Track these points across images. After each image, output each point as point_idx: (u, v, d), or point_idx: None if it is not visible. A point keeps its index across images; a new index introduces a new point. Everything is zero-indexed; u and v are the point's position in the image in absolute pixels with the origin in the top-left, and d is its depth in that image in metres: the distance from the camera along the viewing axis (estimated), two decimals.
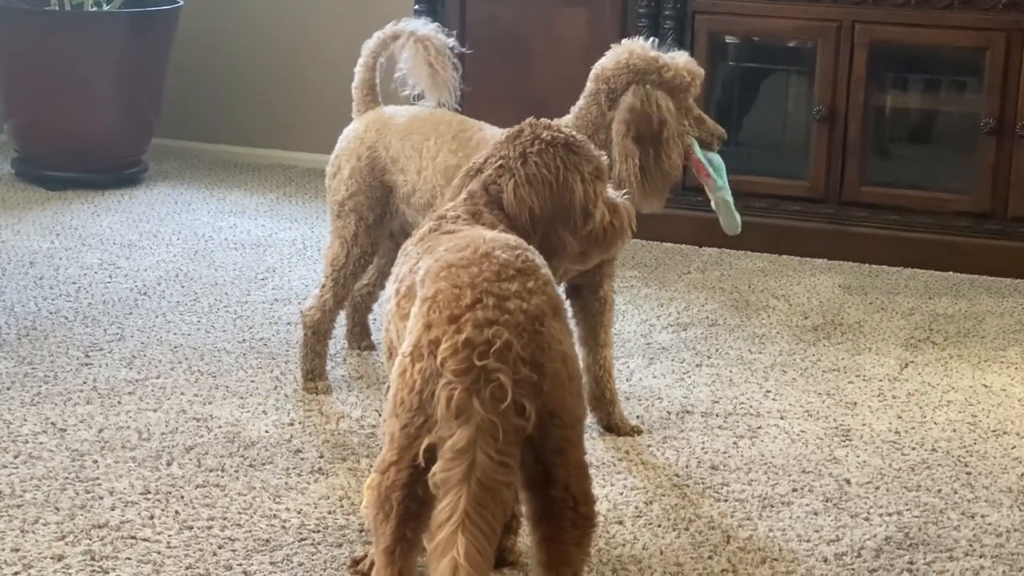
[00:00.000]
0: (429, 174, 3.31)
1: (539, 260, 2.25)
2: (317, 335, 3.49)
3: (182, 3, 5.56)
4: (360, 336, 3.81)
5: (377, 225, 3.46)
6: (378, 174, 3.43)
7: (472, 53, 5.32)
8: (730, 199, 3.25)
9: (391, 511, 2.14)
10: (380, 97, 3.57)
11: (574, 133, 2.55)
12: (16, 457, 3.02)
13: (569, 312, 3.30)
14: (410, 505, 2.13)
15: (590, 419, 3.26)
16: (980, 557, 2.76)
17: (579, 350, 3.28)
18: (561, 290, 3.20)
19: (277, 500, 2.87)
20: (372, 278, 3.73)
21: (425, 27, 3.51)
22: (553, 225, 2.47)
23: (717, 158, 3.27)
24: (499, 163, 2.48)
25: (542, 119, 2.58)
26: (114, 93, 5.41)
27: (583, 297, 3.28)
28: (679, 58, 3.24)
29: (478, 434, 2.02)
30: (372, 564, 2.34)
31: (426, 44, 3.47)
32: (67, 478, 2.93)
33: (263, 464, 3.04)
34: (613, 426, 3.30)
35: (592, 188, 2.51)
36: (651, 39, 3.28)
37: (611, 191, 2.58)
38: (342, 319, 3.71)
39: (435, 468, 2.03)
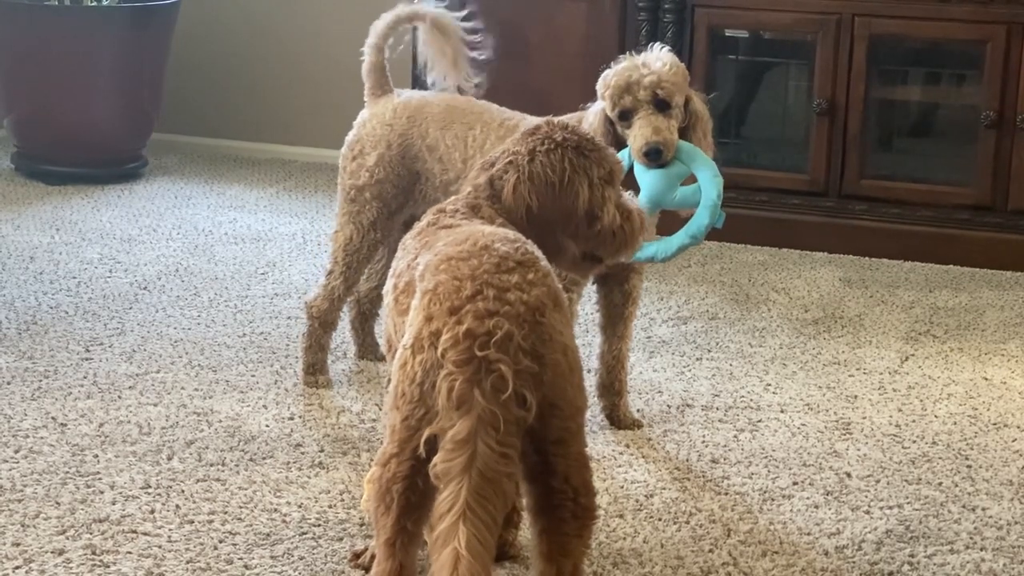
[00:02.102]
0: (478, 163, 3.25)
1: (538, 252, 2.25)
2: (324, 326, 3.45)
3: None
4: (374, 347, 3.67)
5: (398, 212, 3.40)
6: (409, 163, 3.36)
7: (470, 45, 5.31)
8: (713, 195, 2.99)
9: (392, 503, 2.14)
10: (391, 81, 3.46)
11: (590, 136, 2.51)
12: (17, 452, 3.02)
13: (594, 299, 3.31)
14: (411, 497, 2.13)
15: (591, 413, 3.26)
16: (981, 550, 2.76)
17: (597, 337, 3.31)
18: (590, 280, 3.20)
19: (278, 494, 2.87)
20: (380, 280, 3.56)
21: (442, 11, 3.43)
22: (552, 227, 2.45)
23: (690, 150, 3.07)
24: (509, 159, 2.47)
25: (561, 119, 2.56)
26: (114, 88, 5.41)
27: (608, 287, 3.28)
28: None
29: (479, 425, 2.02)
30: (372, 557, 2.34)
31: (445, 29, 3.41)
32: (68, 473, 2.92)
33: (264, 458, 3.04)
34: (616, 418, 3.30)
35: (601, 192, 2.48)
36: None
37: (627, 196, 2.56)
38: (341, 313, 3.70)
39: (436, 459, 2.04)
